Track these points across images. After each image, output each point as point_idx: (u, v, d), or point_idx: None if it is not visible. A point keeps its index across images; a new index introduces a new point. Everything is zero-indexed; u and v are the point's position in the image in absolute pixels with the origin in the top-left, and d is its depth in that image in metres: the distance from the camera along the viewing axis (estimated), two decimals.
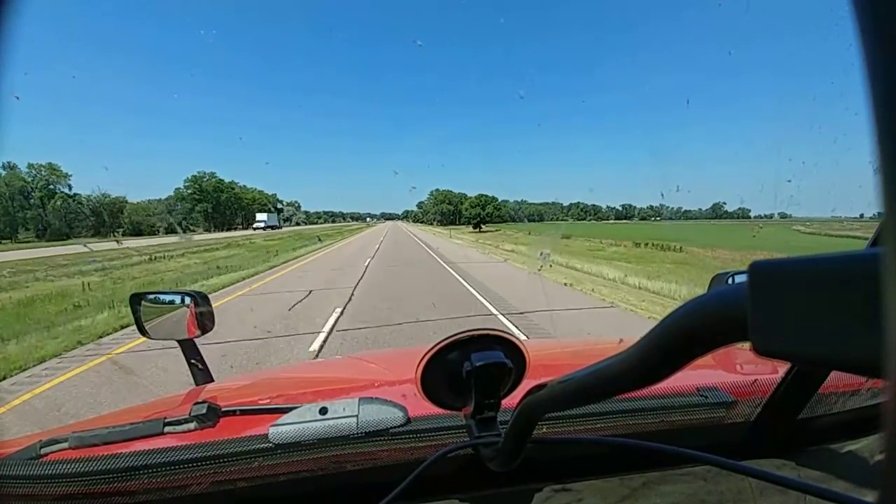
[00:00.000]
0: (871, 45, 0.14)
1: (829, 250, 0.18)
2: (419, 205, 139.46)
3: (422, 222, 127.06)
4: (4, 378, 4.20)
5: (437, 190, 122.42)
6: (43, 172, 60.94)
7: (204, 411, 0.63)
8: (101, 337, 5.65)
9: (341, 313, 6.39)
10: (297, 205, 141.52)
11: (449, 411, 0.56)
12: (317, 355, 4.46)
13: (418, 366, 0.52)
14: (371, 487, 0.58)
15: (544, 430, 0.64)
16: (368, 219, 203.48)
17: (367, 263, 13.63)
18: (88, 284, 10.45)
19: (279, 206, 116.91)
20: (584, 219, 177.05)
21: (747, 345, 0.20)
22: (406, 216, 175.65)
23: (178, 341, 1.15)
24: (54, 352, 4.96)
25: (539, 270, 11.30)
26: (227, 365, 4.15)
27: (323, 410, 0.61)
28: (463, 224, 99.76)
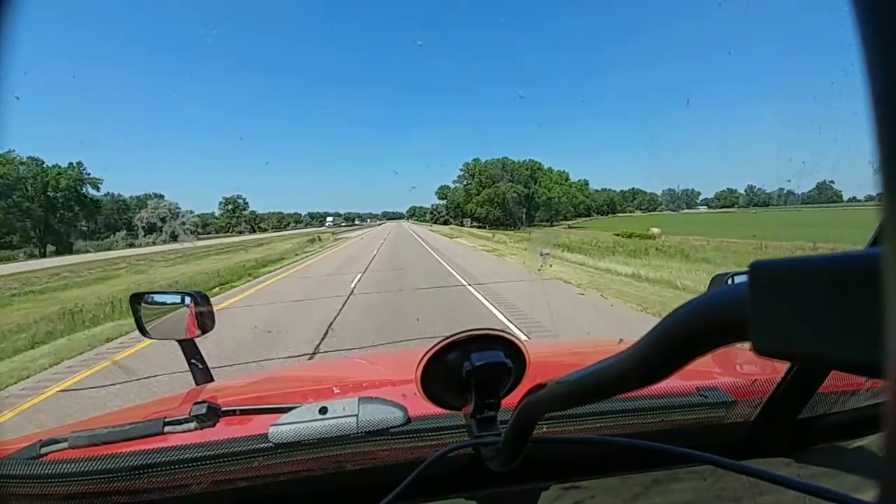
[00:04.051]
0: (871, 45, 0.14)
1: None
2: (441, 192, 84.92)
3: (442, 222, 79.32)
4: None
5: (477, 160, 69.00)
6: None
7: (204, 411, 0.63)
8: None
9: None
10: (237, 202, 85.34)
11: (449, 411, 0.56)
12: None
13: (418, 365, 0.52)
14: (371, 487, 0.58)
15: (544, 429, 0.64)
16: (329, 220, 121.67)
17: None
18: None
19: (97, 194, 54.42)
20: (681, 208, 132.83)
21: (747, 345, 0.20)
22: (412, 214, 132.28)
23: (179, 341, 1.15)
24: None
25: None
26: None
27: (323, 410, 0.61)
28: (534, 223, 62.12)
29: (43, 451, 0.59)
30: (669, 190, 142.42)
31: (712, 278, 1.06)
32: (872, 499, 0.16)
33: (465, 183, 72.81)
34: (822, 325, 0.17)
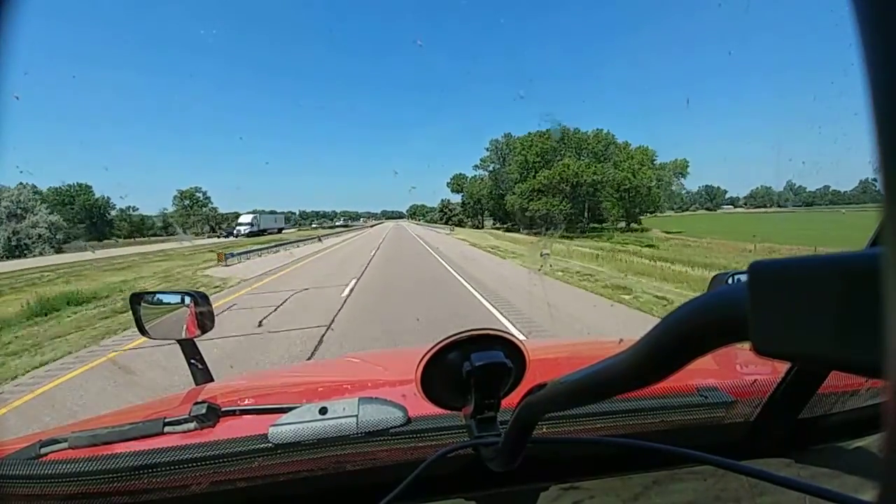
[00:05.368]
0: (871, 45, 0.14)
1: None
2: (455, 183, 64.16)
3: (456, 222, 62.04)
4: None
5: (509, 135, 47.51)
6: None
7: (204, 411, 0.63)
8: None
9: None
10: (194, 196, 66.80)
11: (449, 411, 0.56)
12: None
13: (418, 366, 0.52)
14: (371, 487, 0.58)
15: (544, 429, 0.64)
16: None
17: None
18: None
19: None
20: (711, 209, 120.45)
21: (747, 345, 0.20)
22: (413, 213, 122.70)
23: (178, 341, 1.15)
24: None
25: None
26: None
27: (323, 410, 0.61)
28: (600, 224, 39.89)
29: (43, 451, 0.59)
30: (706, 186, 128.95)
31: (712, 278, 1.06)
32: (872, 499, 0.16)
33: (490, 168, 49.47)
34: (822, 326, 0.17)
